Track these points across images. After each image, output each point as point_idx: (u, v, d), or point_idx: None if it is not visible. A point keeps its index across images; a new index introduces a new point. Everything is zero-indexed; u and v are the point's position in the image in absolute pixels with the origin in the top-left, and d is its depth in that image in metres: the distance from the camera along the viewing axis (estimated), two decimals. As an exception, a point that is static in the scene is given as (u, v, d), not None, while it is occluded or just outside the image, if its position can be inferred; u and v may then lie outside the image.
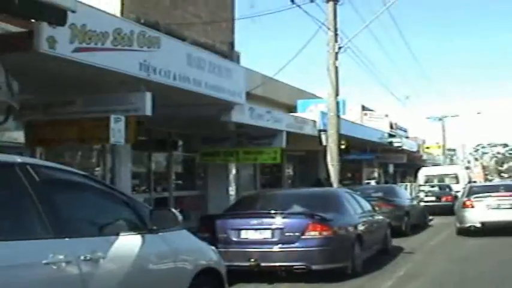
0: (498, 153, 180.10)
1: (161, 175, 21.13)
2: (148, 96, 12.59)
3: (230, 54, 22.45)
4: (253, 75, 24.32)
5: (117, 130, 12.29)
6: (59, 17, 9.20)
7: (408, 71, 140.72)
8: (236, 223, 12.41)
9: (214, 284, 7.82)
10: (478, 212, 21.22)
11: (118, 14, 16.55)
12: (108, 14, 13.00)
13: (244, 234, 12.18)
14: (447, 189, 35.67)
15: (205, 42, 20.48)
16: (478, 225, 21.13)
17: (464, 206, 21.81)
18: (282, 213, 12.29)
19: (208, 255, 7.90)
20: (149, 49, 12.76)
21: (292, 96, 30.39)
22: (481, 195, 21.91)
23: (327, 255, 11.93)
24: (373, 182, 41.51)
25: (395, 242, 17.91)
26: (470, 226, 21.31)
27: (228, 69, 16.69)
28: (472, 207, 21.40)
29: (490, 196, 21.68)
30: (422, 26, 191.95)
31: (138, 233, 6.46)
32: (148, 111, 12.60)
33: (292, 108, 28.72)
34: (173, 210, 7.22)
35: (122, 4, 17.43)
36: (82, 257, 5.40)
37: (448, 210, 30.92)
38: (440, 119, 70.57)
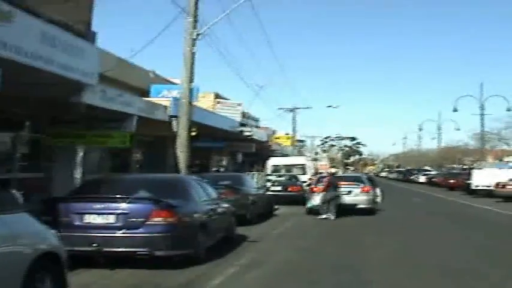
0: (345, 146, 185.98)
1: (6, 156, 20.42)
2: (-5, 72, 12.15)
3: (86, 34, 21.96)
4: (108, 56, 23.92)
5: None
6: None
7: (266, 63, 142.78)
8: (79, 207, 12.14)
9: (54, 268, 7.72)
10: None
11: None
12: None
13: (87, 219, 11.93)
14: (294, 180, 36.46)
15: (61, 20, 19.93)
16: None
17: (312, 191, 27.46)
18: (127, 198, 12.11)
19: (49, 239, 7.79)
20: (0, 23, 12.29)
21: (146, 81, 30.16)
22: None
23: (171, 241, 11.93)
24: (221, 170, 41.86)
25: (240, 230, 18.18)
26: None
27: (81, 49, 16.31)
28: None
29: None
30: (282, 22, 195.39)
31: (-26, 216, 6.29)
32: (-4, 88, 12.16)
33: (145, 93, 28.50)
34: (13, 192, 7.08)
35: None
36: None
37: (294, 200, 31.77)
38: (291, 110, 72.09)
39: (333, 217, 25.04)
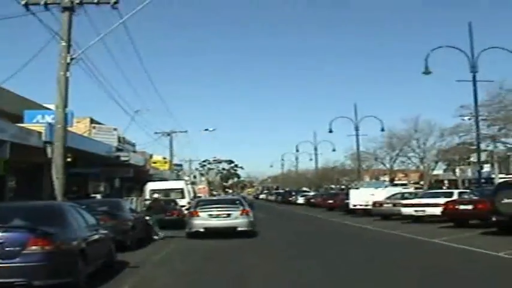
0: (223, 169, 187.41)
1: None
2: None
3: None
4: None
5: None
6: None
7: (142, 88, 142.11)
8: (-49, 237, 11.79)
9: None
10: (203, 220, 27.16)
11: None
12: None
13: (-39, 249, 11.61)
14: (172, 204, 36.55)
15: None
16: (202, 229, 26.89)
17: (192, 215, 27.85)
18: (2, 227, 11.86)
19: None
20: None
21: (19, 106, 29.60)
22: (205, 206, 28.30)
23: (49, 270, 11.72)
24: (99, 196, 41.35)
25: (121, 256, 18.02)
26: (196, 231, 26.89)
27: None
28: (198, 216, 27.37)
29: (212, 207, 27.98)
30: (159, 47, 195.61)
31: None
32: None
33: (19, 119, 27.95)
34: None
35: None
36: None
37: (173, 224, 31.84)
38: (168, 134, 71.98)
39: (156, 237, 26.80)
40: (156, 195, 31.29)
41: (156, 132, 69.65)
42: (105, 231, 16.67)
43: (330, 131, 69.64)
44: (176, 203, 37.12)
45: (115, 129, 50.61)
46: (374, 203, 42.18)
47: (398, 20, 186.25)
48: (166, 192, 43.14)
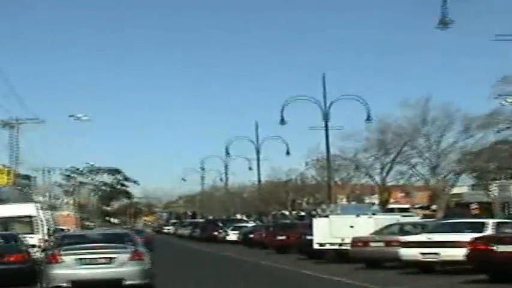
0: (105, 184, 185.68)
1: None
2: None
3: None
4: None
5: None
6: None
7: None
8: None
9: None
10: (68, 269, 26.57)
11: None
12: None
13: None
14: (14, 243, 35.81)
15: None
16: (67, 284, 26.34)
17: (50, 260, 27.29)
18: None
19: None
20: None
21: None
22: (73, 247, 27.79)
23: None
24: None
25: None
26: (57, 286, 26.39)
27: None
28: (61, 262, 26.75)
29: (85, 248, 27.57)
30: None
31: None
32: None
33: None
34: None
35: None
36: None
37: (15, 277, 31.12)
38: (10, 126, 70.56)
39: None
40: None
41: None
42: None
43: (282, 121, 68.95)
44: (21, 241, 36.41)
45: None
46: (354, 241, 41.77)
47: None
48: (5, 222, 42.44)
